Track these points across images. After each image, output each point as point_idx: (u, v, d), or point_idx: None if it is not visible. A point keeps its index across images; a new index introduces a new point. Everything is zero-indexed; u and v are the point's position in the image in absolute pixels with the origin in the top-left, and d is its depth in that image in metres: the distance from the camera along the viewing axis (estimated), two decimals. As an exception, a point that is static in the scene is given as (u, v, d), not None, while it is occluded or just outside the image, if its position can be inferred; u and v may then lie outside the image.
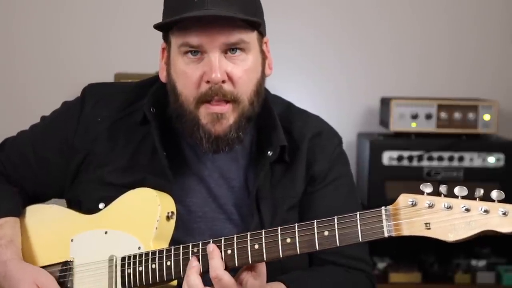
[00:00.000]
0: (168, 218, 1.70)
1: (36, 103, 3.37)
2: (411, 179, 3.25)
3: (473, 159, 3.29)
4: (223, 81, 1.67)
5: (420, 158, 3.29)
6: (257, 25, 1.71)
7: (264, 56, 1.77)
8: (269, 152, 1.77)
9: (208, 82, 1.67)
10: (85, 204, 1.81)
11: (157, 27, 1.71)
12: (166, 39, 1.76)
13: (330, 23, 3.68)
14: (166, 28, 1.72)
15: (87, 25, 3.64)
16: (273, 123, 1.80)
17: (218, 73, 1.66)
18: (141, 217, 1.71)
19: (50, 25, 3.63)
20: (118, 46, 3.64)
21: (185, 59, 1.70)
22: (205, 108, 1.70)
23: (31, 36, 3.63)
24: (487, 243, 3.40)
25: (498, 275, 3.34)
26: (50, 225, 1.85)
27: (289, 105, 1.90)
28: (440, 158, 3.29)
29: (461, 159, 3.29)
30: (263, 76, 1.76)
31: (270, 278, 1.64)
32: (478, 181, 3.27)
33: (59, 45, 3.64)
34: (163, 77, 1.79)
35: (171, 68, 1.74)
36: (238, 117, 1.71)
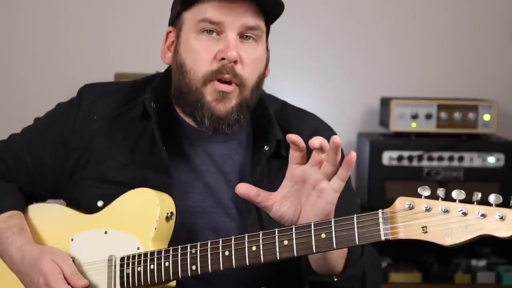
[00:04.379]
0: (167, 218, 1.71)
1: (36, 103, 3.35)
2: (411, 179, 3.25)
3: (473, 159, 3.29)
4: (235, 62, 1.72)
5: (420, 158, 3.29)
6: (279, 9, 1.75)
7: (268, 54, 1.81)
8: (265, 147, 1.80)
9: (222, 59, 1.71)
10: (83, 202, 1.82)
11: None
12: (175, 21, 1.79)
13: (330, 23, 3.68)
14: (188, 2, 1.74)
15: (87, 25, 3.64)
16: (268, 119, 1.83)
17: (234, 52, 1.70)
18: (141, 218, 1.71)
19: (50, 25, 3.64)
20: (118, 46, 3.65)
21: (200, 36, 1.74)
22: (212, 86, 1.73)
23: (31, 36, 3.64)
24: (487, 243, 3.39)
25: (498, 275, 3.34)
26: (51, 224, 1.85)
27: (284, 104, 1.93)
28: (440, 158, 3.29)
29: (461, 159, 3.29)
30: (264, 73, 1.80)
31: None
32: (478, 181, 3.27)
33: (59, 45, 3.64)
34: (166, 59, 1.83)
35: (180, 47, 1.77)
36: (241, 101, 1.75)
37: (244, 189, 1.59)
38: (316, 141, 1.52)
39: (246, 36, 1.74)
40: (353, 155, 1.51)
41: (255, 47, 1.75)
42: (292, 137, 1.53)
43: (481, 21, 3.69)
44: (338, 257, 1.64)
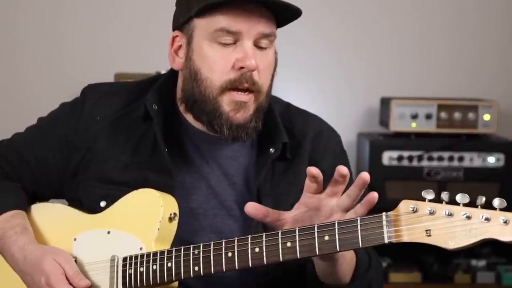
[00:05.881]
0: (170, 219, 1.71)
1: (36, 103, 3.37)
2: (411, 179, 3.26)
3: (473, 159, 3.30)
4: (254, 70, 1.72)
5: (420, 158, 3.29)
6: (296, 15, 1.74)
7: (276, 56, 1.81)
8: (271, 149, 1.79)
9: (241, 68, 1.71)
10: (86, 203, 1.82)
11: (207, 6, 1.71)
12: (183, 26, 1.77)
13: (330, 23, 3.68)
14: (202, 11, 1.73)
15: (87, 25, 3.65)
16: (274, 121, 1.83)
17: (253, 60, 1.70)
18: (144, 218, 1.71)
19: (50, 25, 3.64)
20: (118, 46, 3.65)
21: (215, 45, 1.73)
22: (229, 96, 1.73)
23: (31, 36, 3.64)
24: (487, 243, 3.38)
25: (498, 275, 3.35)
26: (54, 224, 1.86)
27: (288, 105, 1.92)
28: (440, 158, 3.29)
29: (461, 159, 3.29)
30: (274, 74, 1.80)
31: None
32: (478, 181, 3.27)
33: (59, 45, 3.64)
34: (175, 65, 1.81)
35: (193, 54, 1.75)
36: (257, 107, 1.75)
37: (252, 208, 1.60)
38: (345, 169, 1.52)
39: (260, 42, 1.73)
40: (375, 196, 1.51)
41: (267, 53, 1.75)
42: (313, 171, 1.53)
43: (481, 21, 3.70)
44: (346, 270, 1.64)
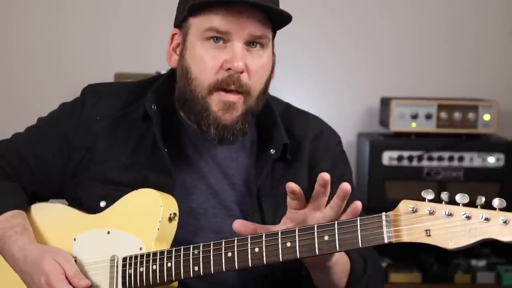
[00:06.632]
0: (170, 219, 1.71)
1: (36, 103, 3.37)
2: (411, 179, 3.26)
3: (473, 159, 3.30)
4: (242, 72, 1.71)
5: (420, 158, 3.29)
6: (287, 21, 1.74)
7: (274, 58, 1.80)
8: (271, 150, 1.79)
9: (228, 70, 1.71)
10: (86, 203, 1.82)
11: (195, 5, 1.71)
12: (181, 24, 1.78)
13: (330, 23, 3.68)
14: (194, 10, 1.73)
15: (87, 25, 3.65)
16: (274, 121, 1.83)
17: (241, 62, 1.70)
18: (144, 218, 1.72)
19: (50, 25, 3.64)
20: (118, 46, 3.65)
21: (206, 44, 1.73)
22: (218, 96, 1.72)
23: (31, 36, 3.64)
24: (487, 243, 3.38)
25: (498, 275, 3.35)
26: (54, 224, 1.86)
27: (288, 106, 1.92)
28: (440, 158, 3.29)
29: (461, 159, 3.29)
30: (270, 76, 1.80)
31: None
32: (478, 181, 3.27)
33: (59, 45, 3.64)
34: (171, 62, 1.82)
35: (186, 52, 1.76)
36: (246, 109, 1.74)
37: (240, 225, 1.60)
38: (327, 175, 1.52)
39: (253, 44, 1.73)
40: (359, 205, 1.51)
41: (261, 54, 1.74)
42: (292, 186, 1.55)
43: (481, 21, 3.70)
44: (341, 277, 1.65)
